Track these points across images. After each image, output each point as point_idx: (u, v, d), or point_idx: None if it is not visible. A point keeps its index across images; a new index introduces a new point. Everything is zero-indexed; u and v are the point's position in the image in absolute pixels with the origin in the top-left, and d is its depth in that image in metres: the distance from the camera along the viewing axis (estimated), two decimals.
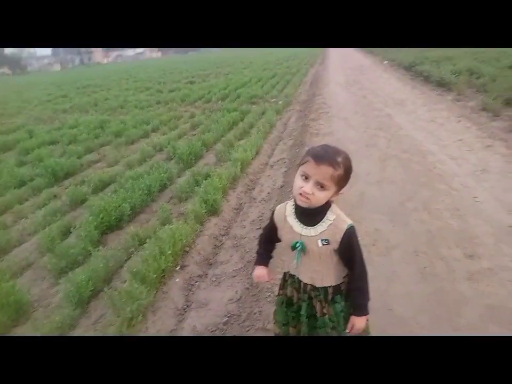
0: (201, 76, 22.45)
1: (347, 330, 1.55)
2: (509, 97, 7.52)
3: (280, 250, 1.94)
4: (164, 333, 2.64)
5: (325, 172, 1.37)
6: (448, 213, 3.63)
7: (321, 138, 6.46)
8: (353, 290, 1.55)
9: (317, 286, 1.54)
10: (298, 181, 1.42)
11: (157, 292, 3.03)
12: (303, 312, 1.57)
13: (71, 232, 4.11)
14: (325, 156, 1.39)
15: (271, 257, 1.80)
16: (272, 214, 1.64)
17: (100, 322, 2.78)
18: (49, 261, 3.49)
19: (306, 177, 1.40)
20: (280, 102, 10.61)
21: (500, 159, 4.87)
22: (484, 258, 2.91)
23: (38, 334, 2.61)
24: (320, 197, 1.40)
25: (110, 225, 4.15)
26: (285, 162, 5.85)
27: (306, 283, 1.56)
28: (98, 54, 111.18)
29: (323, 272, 1.53)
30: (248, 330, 2.46)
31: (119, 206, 4.25)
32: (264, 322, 2.46)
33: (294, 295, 1.62)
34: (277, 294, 2.65)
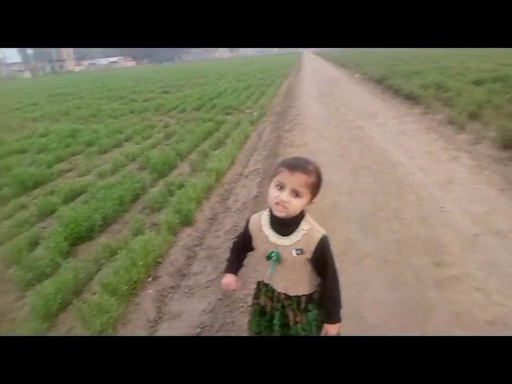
0: (176, 86, 22.43)
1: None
2: (473, 111, 7.84)
3: (253, 260, 1.96)
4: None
5: (300, 179, 1.42)
6: (417, 222, 3.74)
7: (295, 149, 6.55)
8: (326, 299, 1.58)
9: (290, 294, 1.56)
10: (273, 192, 1.45)
11: (128, 303, 2.97)
12: (276, 321, 1.59)
13: (39, 244, 3.99)
14: (298, 164, 1.45)
15: (241, 266, 1.81)
16: (247, 223, 1.65)
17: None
18: (15, 273, 3.38)
19: (281, 187, 1.44)
20: (255, 113, 10.70)
21: (465, 171, 5.06)
22: (451, 266, 3.01)
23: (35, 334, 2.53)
24: (296, 205, 1.43)
25: (81, 236, 4.05)
26: (259, 172, 5.89)
27: (280, 292, 1.58)
28: (70, 62, 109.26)
29: (297, 281, 1.55)
30: None
31: (90, 217, 4.17)
32: (237, 333, 2.45)
33: (267, 304, 1.63)
34: (250, 304, 2.67)
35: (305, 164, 1.46)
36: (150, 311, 2.94)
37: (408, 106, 10.20)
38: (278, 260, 1.52)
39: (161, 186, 5.29)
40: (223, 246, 3.77)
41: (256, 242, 1.61)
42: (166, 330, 2.70)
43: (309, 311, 1.57)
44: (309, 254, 1.49)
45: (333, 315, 1.58)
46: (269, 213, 1.58)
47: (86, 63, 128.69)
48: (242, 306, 2.71)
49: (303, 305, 1.57)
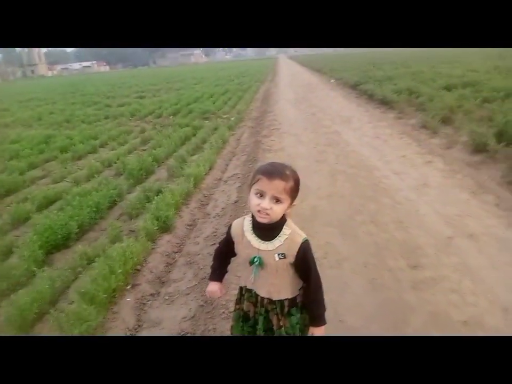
0: (152, 90, 22.23)
1: None
2: (445, 116, 8.07)
3: (234, 265, 1.96)
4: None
5: (278, 186, 1.44)
6: (393, 225, 3.82)
7: (273, 154, 6.59)
8: (310, 303, 1.61)
9: (274, 299, 1.58)
10: (254, 200, 1.47)
11: (107, 312, 2.92)
12: (260, 326, 1.60)
13: (12, 252, 3.88)
14: (275, 171, 1.47)
15: (225, 272, 1.82)
16: (229, 228, 1.66)
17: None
18: None
19: (261, 194, 1.45)
20: (232, 118, 10.71)
21: (438, 174, 5.20)
22: (427, 269, 3.08)
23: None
24: (278, 211, 1.46)
25: (56, 244, 3.96)
26: (238, 177, 5.90)
27: (263, 297, 1.59)
28: (42, 66, 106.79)
29: (280, 286, 1.57)
30: None
31: (66, 224, 4.08)
32: None
33: (250, 309, 1.64)
34: (232, 310, 2.67)
35: (282, 169, 1.48)
36: (130, 319, 2.89)
37: (382, 111, 10.43)
38: (261, 264, 1.53)
39: (139, 192, 5.22)
40: (203, 252, 3.76)
41: (238, 247, 1.61)
42: (145, 335, 2.66)
43: (292, 315, 1.59)
44: (291, 258, 1.51)
45: (317, 318, 1.61)
46: (250, 218, 1.59)
47: (58, 67, 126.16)
48: (223, 312, 2.70)
49: (286, 309, 1.59)
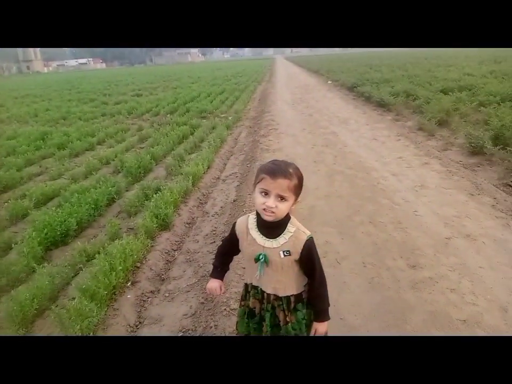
0: (148, 88, 22.18)
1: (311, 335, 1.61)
2: (442, 119, 8.14)
3: (235, 263, 1.98)
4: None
5: (282, 184, 1.46)
6: (391, 226, 3.85)
7: (271, 154, 6.61)
8: (315, 298, 1.63)
9: (280, 295, 1.60)
10: (259, 198, 1.49)
11: (107, 309, 2.92)
12: (267, 322, 1.61)
13: (11, 248, 3.87)
14: (278, 170, 1.48)
15: (226, 270, 1.84)
16: (233, 226, 1.68)
17: None
18: None
19: (266, 193, 1.47)
20: (230, 118, 10.72)
21: (436, 176, 5.25)
22: (425, 268, 3.12)
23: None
24: (283, 209, 1.47)
25: (55, 241, 3.96)
26: (237, 176, 5.91)
27: (269, 293, 1.61)
28: (38, 62, 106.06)
29: (285, 282, 1.59)
30: None
31: (65, 221, 4.07)
32: (220, 336, 2.46)
33: (256, 306, 1.65)
34: (233, 307, 2.69)
35: (286, 168, 1.50)
36: (130, 316, 2.90)
37: (379, 113, 10.48)
38: (266, 261, 1.55)
39: (137, 190, 5.22)
40: (203, 250, 3.77)
41: (243, 245, 1.63)
42: (147, 335, 2.67)
43: (298, 310, 1.62)
44: (296, 255, 1.54)
45: (321, 313, 1.63)
46: (255, 216, 1.61)
47: (54, 64, 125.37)
48: (224, 309, 2.72)
49: (292, 305, 1.61)
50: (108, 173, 6.33)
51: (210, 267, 3.36)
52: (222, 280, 1.82)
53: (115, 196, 5.21)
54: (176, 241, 4.06)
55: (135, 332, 2.77)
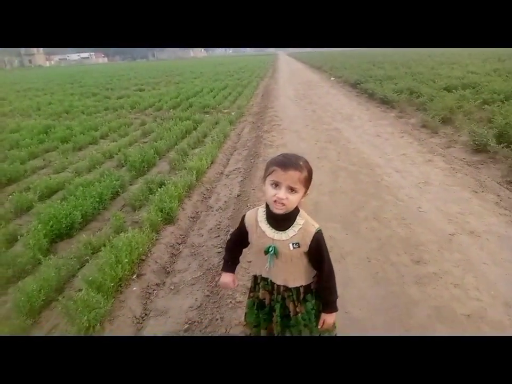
0: (151, 83, 22.15)
1: (318, 327, 1.63)
2: (445, 116, 8.14)
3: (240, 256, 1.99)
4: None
5: (293, 176, 1.48)
6: (395, 222, 3.87)
7: (275, 149, 6.62)
8: (323, 289, 1.65)
9: (290, 286, 1.62)
10: (270, 191, 1.50)
11: (113, 300, 2.94)
12: (277, 313, 1.64)
13: (17, 241, 3.89)
14: (289, 162, 1.51)
15: (237, 263, 1.87)
16: (243, 218, 1.70)
17: (53, 333, 2.65)
18: None
19: (276, 185, 1.49)
20: (233, 113, 10.72)
21: (439, 173, 5.26)
22: (429, 264, 3.13)
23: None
24: (293, 200, 1.49)
25: (60, 234, 3.98)
26: (240, 172, 5.93)
27: (279, 284, 1.63)
28: (40, 56, 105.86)
29: (295, 274, 1.61)
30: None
31: (70, 214, 4.09)
32: (226, 328, 2.48)
33: (266, 297, 1.67)
34: (238, 300, 2.71)
35: (296, 160, 1.53)
36: (136, 308, 2.92)
37: (382, 110, 10.47)
38: (276, 253, 1.57)
39: (141, 184, 5.24)
40: (207, 244, 3.79)
41: (252, 237, 1.65)
42: (153, 326, 2.70)
43: (307, 301, 1.65)
44: (305, 247, 1.56)
45: (330, 304, 1.66)
46: (264, 209, 1.63)
47: (56, 58, 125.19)
48: (230, 302, 2.73)
49: (302, 295, 1.64)
50: (111, 167, 6.34)
51: (215, 260, 3.44)
52: (234, 273, 1.85)
53: (119, 189, 5.23)
54: (180, 235, 4.08)
55: (141, 323, 2.79)
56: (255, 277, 1.72)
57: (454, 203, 4.23)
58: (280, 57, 63.94)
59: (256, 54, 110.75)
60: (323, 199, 4.51)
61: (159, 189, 4.81)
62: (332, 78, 20.30)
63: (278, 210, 1.51)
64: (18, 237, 3.88)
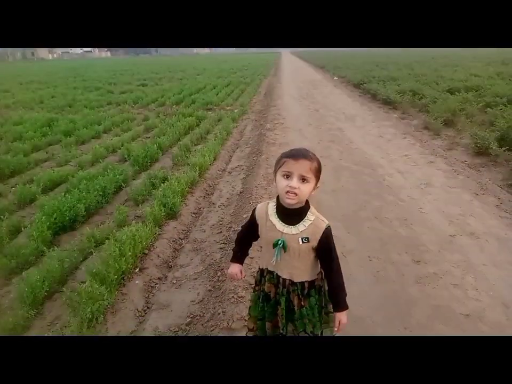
0: (154, 79, 22.16)
1: (335, 329, 1.67)
2: (448, 118, 8.15)
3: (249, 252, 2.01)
4: (124, 334, 2.62)
5: (305, 165, 1.52)
6: (397, 222, 3.90)
7: (277, 147, 6.64)
8: (334, 287, 1.68)
9: (295, 281, 1.65)
10: (282, 182, 1.54)
11: (116, 293, 2.98)
12: (282, 306, 1.67)
13: (20, 232, 3.92)
14: (300, 153, 1.56)
15: (246, 255, 1.90)
16: (253, 211, 1.73)
17: (56, 324, 2.69)
18: None
19: (288, 176, 1.53)
20: (236, 111, 10.74)
21: (441, 174, 5.28)
22: (430, 264, 3.17)
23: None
24: (305, 190, 1.53)
25: (64, 226, 4.01)
26: (243, 169, 5.95)
27: (285, 278, 1.65)
28: (43, 49, 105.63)
29: (301, 268, 1.64)
30: (212, 330, 2.50)
31: (73, 207, 4.12)
32: (228, 322, 2.51)
33: (271, 290, 1.70)
34: (240, 295, 2.74)
35: (306, 152, 1.58)
36: (139, 301, 2.96)
37: (385, 111, 10.49)
38: (284, 247, 1.60)
39: (144, 179, 5.27)
40: (209, 240, 3.82)
41: (262, 230, 1.68)
42: (155, 320, 2.73)
43: (311, 296, 1.68)
44: (314, 243, 1.58)
45: (342, 302, 1.69)
46: (275, 203, 1.66)
47: (59, 51, 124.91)
48: (232, 297, 2.76)
49: (306, 290, 1.66)
50: (114, 161, 6.37)
51: (217, 256, 3.47)
52: (242, 265, 1.89)
53: (122, 184, 5.26)
54: (183, 230, 4.11)
55: (143, 316, 2.82)
56: (262, 270, 1.75)
57: (455, 205, 4.26)
58: (283, 56, 63.87)
59: (259, 52, 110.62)
60: (326, 198, 4.54)
61: (162, 184, 4.85)
62: (335, 78, 20.30)
63: (291, 200, 1.54)
64: (22, 228, 3.91)
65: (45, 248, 3.49)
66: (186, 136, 8.02)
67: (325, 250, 1.62)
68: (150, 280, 3.25)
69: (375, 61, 28.03)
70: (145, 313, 2.86)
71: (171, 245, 3.81)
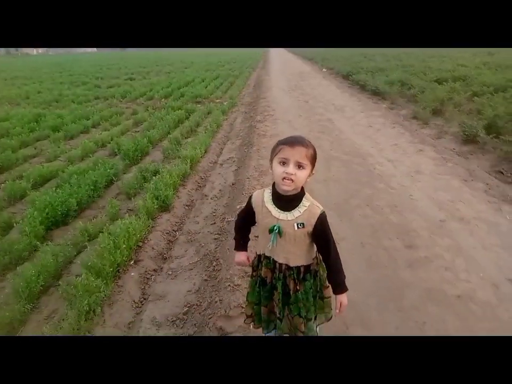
0: (141, 73, 21.94)
1: (337, 311, 1.72)
2: (436, 108, 8.24)
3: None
4: (122, 325, 2.63)
5: (300, 151, 1.55)
6: (388, 209, 3.95)
7: (268, 139, 6.65)
8: (334, 272, 1.72)
9: (291, 265, 1.68)
10: (278, 168, 1.56)
11: (113, 285, 2.99)
12: (279, 290, 1.70)
13: (12, 228, 3.89)
14: (295, 140, 1.59)
15: (248, 240, 1.95)
16: (250, 198, 1.75)
17: (53, 317, 2.69)
18: None
19: (284, 162, 1.55)
20: (225, 103, 10.71)
21: (430, 162, 5.36)
22: (421, 248, 3.23)
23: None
24: (301, 177, 1.55)
25: (56, 221, 3.99)
26: (234, 161, 5.96)
27: (281, 263, 1.69)
28: None
29: (296, 253, 1.67)
30: (210, 318, 2.52)
31: (65, 201, 4.10)
32: (226, 310, 2.54)
33: (268, 275, 1.73)
34: (236, 283, 2.77)
35: (302, 139, 1.61)
36: (135, 293, 2.97)
37: (374, 101, 10.55)
38: (280, 233, 1.62)
39: (135, 172, 5.25)
40: (203, 231, 3.84)
41: (258, 217, 1.71)
42: (152, 310, 2.75)
43: (307, 280, 1.71)
44: (309, 228, 1.61)
45: (341, 284, 1.74)
46: (270, 191, 1.69)
47: None
48: (229, 285, 2.79)
49: (301, 275, 1.70)
50: (104, 156, 6.33)
51: (212, 246, 3.49)
52: (246, 251, 1.94)
53: (113, 177, 5.24)
54: (176, 222, 4.12)
55: (140, 307, 2.84)
56: (259, 256, 1.78)
57: (445, 191, 4.34)
58: (271, 49, 63.61)
59: None
60: (317, 187, 4.57)
61: (154, 177, 4.84)
62: (324, 69, 20.31)
63: (287, 187, 1.56)
64: (14, 224, 3.88)
65: (38, 243, 3.48)
66: (176, 130, 7.99)
67: (321, 235, 1.65)
68: (146, 272, 3.26)
69: (363, 53, 28.05)
70: (142, 304, 2.88)
71: (165, 237, 3.82)
